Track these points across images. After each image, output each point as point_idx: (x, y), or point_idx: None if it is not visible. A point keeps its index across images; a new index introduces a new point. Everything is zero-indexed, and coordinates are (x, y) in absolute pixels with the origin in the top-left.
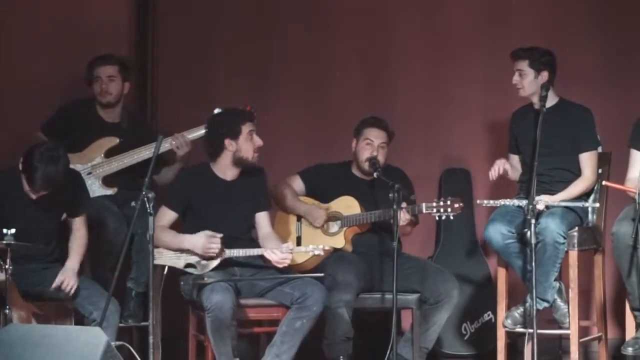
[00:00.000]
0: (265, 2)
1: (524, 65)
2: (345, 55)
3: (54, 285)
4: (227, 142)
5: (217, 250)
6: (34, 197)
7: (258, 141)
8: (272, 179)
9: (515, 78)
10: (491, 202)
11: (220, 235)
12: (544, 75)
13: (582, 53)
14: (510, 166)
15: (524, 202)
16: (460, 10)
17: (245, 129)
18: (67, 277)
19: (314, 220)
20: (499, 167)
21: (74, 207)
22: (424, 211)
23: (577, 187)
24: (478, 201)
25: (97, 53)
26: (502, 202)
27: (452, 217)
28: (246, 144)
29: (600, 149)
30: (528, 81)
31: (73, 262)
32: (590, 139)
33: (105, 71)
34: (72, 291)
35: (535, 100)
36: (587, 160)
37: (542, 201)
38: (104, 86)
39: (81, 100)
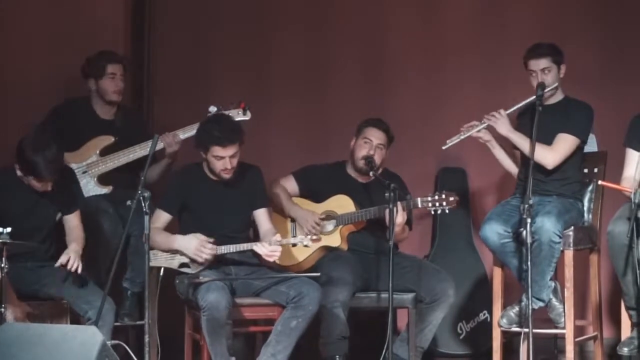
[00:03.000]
0: (263, 1)
1: (547, 62)
2: (342, 55)
3: (59, 263)
4: (201, 152)
5: (207, 257)
6: (48, 188)
7: (227, 164)
8: (268, 177)
9: (541, 76)
10: (454, 138)
11: (212, 240)
12: (563, 69)
13: (579, 52)
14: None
15: (483, 126)
16: (457, 11)
17: (213, 151)
18: (72, 257)
19: (305, 226)
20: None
21: (67, 203)
22: (420, 205)
23: (537, 148)
24: (448, 140)
25: (95, 49)
26: (465, 134)
27: (447, 211)
28: (213, 162)
29: (597, 148)
30: (552, 76)
31: (75, 246)
32: (577, 126)
33: (119, 69)
34: (79, 269)
35: (541, 100)
36: (562, 141)
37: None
38: (120, 84)
39: (75, 99)
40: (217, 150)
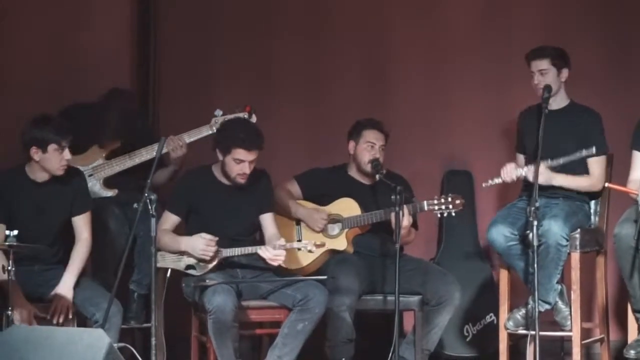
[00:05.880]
0: (266, 4)
1: (545, 63)
2: (345, 57)
3: (50, 313)
4: (217, 152)
5: (212, 254)
6: (66, 161)
7: (245, 169)
8: (273, 180)
9: (538, 78)
10: (495, 180)
11: (216, 238)
12: (565, 73)
13: (584, 54)
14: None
15: (526, 170)
16: (459, 11)
17: (234, 153)
18: (60, 306)
19: (314, 224)
20: (510, 173)
21: (75, 204)
22: (426, 209)
23: (580, 180)
24: (483, 184)
25: (100, 54)
26: (501, 179)
27: (453, 214)
28: (230, 164)
29: None
30: (550, 79)
31: (68, 278)
32: (599, 144)
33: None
34: (70, 314)
35: (555, 99)
36: (595, 165)
37: (546, 170)
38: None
39: (81, 103)
40: (240, 153)
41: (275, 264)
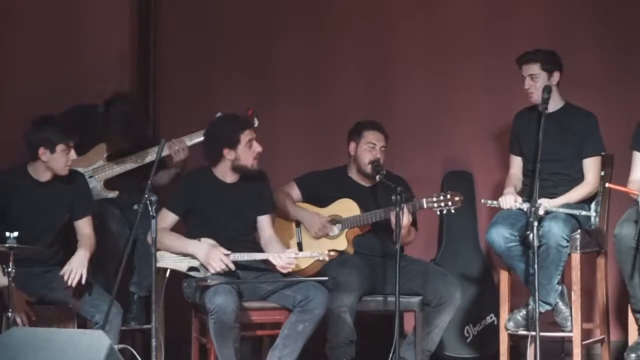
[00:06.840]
0: (266, 4)
1: (535, 68)
2: (346, 58)
3: (62, 272)
4: (225, 151)
5: (218, 268)
6: (73, 158)
7: (257, 148)
8: (273, 182)
9: (528, 82)
10: (494, 202)
11: (228, 252)
12: (556, 76)
13: (585, 55)
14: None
15: (526, 206)
16: (461, 13)
17: (244, 137)
18: (75, 267)
19: (310, 228)
20: (509, 204)
21: (77, 208)
22: (425, 206)
23: (578, 192)
24: (482, 200)
25: (100, 55)
26: (505, 205)
27: (453, 211)
28: (245, 152)
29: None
30: (541, 84)
31: (81, 253)
32: (595, 144)
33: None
34: (83, 279)
35: (547, 103)
36: (591, 166)
37: (542, 206)
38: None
39: (83, 105)
40: (250, 134)
41: (285, 271)
